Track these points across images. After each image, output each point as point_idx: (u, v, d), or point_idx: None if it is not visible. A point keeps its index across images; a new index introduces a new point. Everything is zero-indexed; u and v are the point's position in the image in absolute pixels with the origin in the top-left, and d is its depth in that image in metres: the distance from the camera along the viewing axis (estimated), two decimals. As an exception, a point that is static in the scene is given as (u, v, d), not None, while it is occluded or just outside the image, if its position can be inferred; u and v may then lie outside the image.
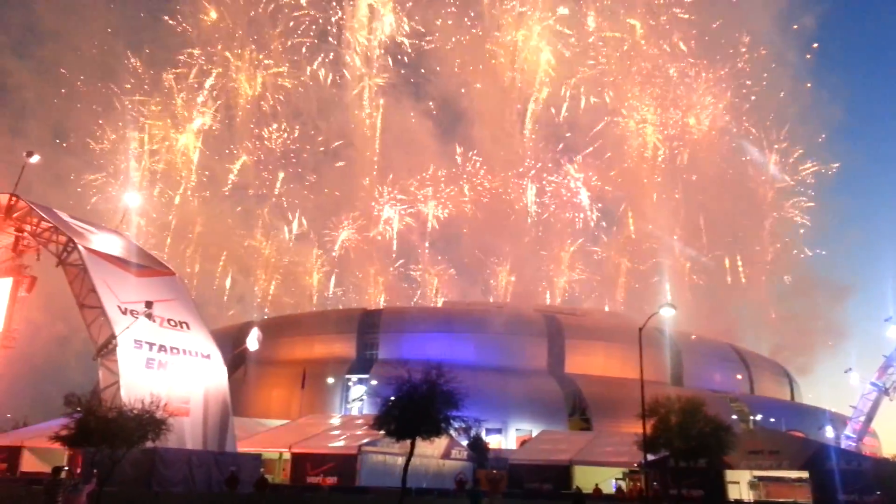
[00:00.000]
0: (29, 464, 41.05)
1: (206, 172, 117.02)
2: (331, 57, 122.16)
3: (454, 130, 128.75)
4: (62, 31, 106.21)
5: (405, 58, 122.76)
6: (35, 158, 39.72)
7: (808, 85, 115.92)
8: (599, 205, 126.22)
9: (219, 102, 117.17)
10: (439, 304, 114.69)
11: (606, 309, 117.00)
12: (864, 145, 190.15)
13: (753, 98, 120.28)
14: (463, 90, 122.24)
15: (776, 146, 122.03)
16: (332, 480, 38.65)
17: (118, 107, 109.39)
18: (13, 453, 41.86)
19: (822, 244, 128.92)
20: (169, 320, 35.30)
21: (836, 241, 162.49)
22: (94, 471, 23.25)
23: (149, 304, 33.98)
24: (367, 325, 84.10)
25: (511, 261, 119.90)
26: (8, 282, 39.42)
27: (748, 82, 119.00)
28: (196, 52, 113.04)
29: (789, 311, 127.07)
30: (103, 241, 38.01)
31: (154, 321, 34.15)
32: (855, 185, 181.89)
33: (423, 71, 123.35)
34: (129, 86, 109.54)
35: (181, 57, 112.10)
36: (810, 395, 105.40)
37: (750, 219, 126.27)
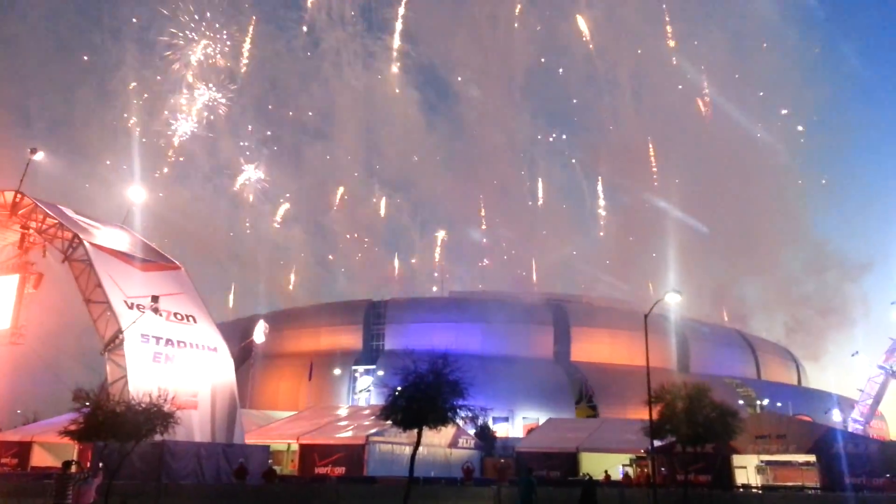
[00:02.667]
0: (39, 458, 41.34)
1: (182, 158, 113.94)
2: (304, 28, 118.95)
3: (440, 101, 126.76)
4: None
5: (386, 25, 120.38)
6: (39, 155, 39.85)
7: (818, 49, 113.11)
8: (602, 186, 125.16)
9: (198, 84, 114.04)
10: (443, 293, 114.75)
11: (611, 293, 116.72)
12: (885, 107, 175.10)
13: (759, 55, 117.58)
14: (445, 48, 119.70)
15: (784, 111, 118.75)
16: (340, 471, 38.81)
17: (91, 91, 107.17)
18: (24, 448, 42.15)
19: (839, 218, 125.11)
20: (175, 314, 35.44)
21: (855, 214, 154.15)
22: (101, 464, 23.45)
23: (155, 299, 34.14)
24: (374, 316, 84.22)
25: (512, 243, 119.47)
26: (15, 278, 39.69)
27: (748, 41, 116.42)
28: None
29: (802, 292, 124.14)
30: (108, 236, 38.12)
31: (160, 315, 34.30)
32: (872, 152, 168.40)
33: (399, 41, 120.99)
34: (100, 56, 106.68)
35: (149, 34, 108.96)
36: (817, 378, 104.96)
37: (756, 191, 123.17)
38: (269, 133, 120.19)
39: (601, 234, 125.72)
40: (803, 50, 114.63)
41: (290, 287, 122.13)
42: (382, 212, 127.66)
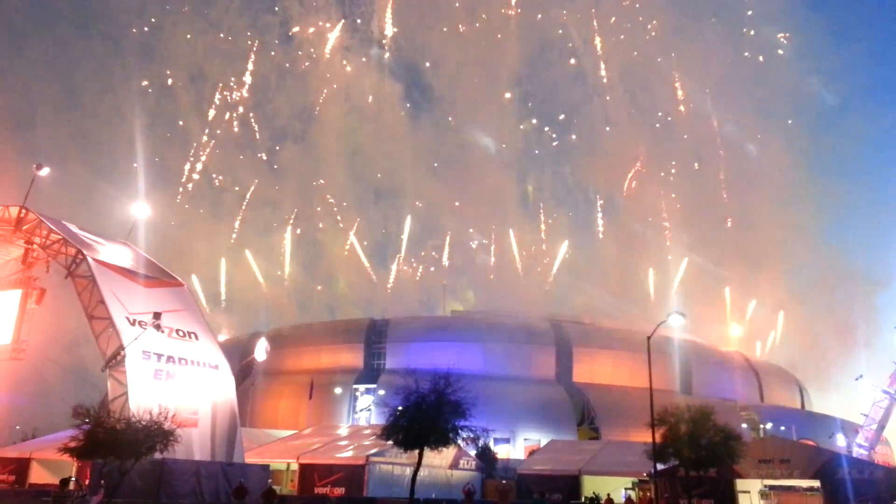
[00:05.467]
0: (38, 475, 41.03)
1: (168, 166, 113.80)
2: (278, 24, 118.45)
3: (424, 101, 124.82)
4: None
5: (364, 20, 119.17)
6: (45, 171, 40.01)
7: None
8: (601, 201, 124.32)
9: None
10: (445, 312, 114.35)
11: (613, 314, 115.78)
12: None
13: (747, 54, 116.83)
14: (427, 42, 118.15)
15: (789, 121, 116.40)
16: (339, 491, 38.48)
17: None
18: (22, 465, 41.87)
19: (852, 231, 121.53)
20: (177, 331, 35.37)
21: (870, 227, 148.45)
22: (101, 482, 23.29)
23: (157, 315, 34.05)
24: (375, 335, 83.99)
25: (510, 260, 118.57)
26: (17, 294, 39.65)
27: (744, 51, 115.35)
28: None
29: (810, 311, 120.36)
30: (112, 253, 38.17)
31: (162, 332, 34.21)
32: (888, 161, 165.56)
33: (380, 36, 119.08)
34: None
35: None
36: (821, 402, 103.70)
37: (762, 204, 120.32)
38: (256, 138, 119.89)
39: (601, 251, 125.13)
40: (810, 57, 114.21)
41: (275, 304, 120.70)
42: (372, 224, 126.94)
